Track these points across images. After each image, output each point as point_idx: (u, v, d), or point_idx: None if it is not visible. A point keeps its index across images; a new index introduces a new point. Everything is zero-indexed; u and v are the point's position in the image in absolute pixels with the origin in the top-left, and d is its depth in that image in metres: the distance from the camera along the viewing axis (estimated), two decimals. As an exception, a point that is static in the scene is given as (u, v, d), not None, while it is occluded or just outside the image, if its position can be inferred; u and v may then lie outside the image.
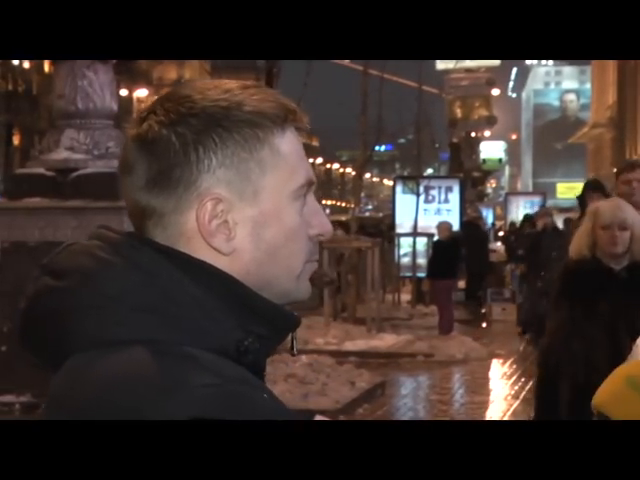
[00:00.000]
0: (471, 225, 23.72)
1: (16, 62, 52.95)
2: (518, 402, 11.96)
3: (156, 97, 1.50)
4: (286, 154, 1.46)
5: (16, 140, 50.59)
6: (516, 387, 13.11)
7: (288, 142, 1.46)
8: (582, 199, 9.69)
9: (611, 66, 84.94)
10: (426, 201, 25.84)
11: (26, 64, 53.38)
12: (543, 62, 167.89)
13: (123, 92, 48.60)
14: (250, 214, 1.43)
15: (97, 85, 8.62)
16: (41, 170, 8.57)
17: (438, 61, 49.49)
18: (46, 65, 45.02)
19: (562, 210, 37.82)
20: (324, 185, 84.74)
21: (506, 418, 11.02)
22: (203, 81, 1.50)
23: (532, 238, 16.80)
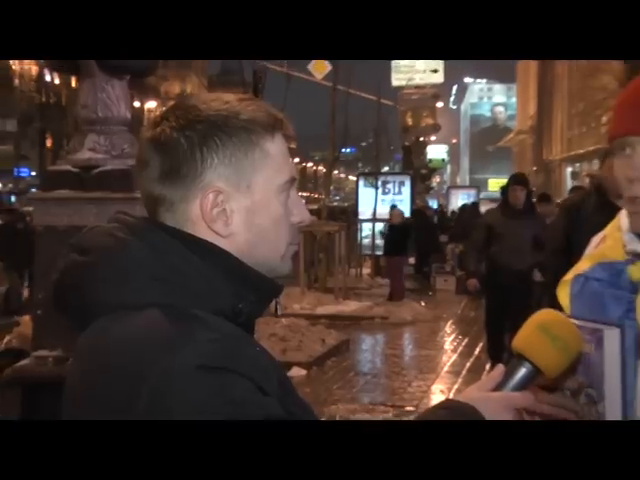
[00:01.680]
0: (420, 213, 23.72)
1: (48, 78, 52.71)
2: (456, 355, 12.03)
3: (167, 106, 1.49)
4: (274, 155, 1.46)
5: (48, 143, 50.27)
6: (455, 343, 13.17)
7: (276, 146, 1.47)
8: (505, 191, 9.61)
9: (532, 83, 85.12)
10: (383, 193, 25.81)
11: (57, 80, 53.22)
12: (478, 80, 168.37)
13: (136, 104, 48.35)
14: (244, 204, 1.44)
15: (114, 97, 8.54)
16: (68, 167, 8.48)
17: (393, 79, 49.44)
18: (73, 81, 44.63)
19: (492, 200, 37.95)
20: (300, 180, 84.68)
21: (446, 368, 11.06)
22: (206, 94, 1.50)
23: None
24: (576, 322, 1.59)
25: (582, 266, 1.82)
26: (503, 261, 9.12)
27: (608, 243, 1.79)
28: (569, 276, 1.84)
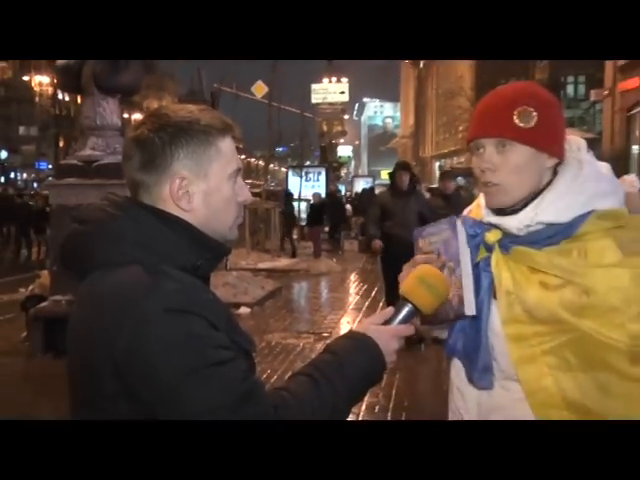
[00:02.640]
0: (332, 195, 23.73)
1: (60, 96, 51.79)
2: (359, 297, 12.09)
3: (146, 114, 1.46)
4: (225, 152, 1.43)
5: (61, 144, 49.28)
6: (357, 288, 13.24)
7: (227, 144, 1.44)
8: (393, 175, 9.18)
9: (411, 102, 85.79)
10: (306, 180, 25.81)
11: (67, 97, 52.81)
12: (373, 99, 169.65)
13: (125, 115, 47.49)
14: (203, 187, 1.41)
15: (109, 110, 8.39)
16: (75, 162, 8.31)
17: (312, 97, 49.08)
18: (79, 98, 43.67)
19: (384, 186, 38.16)
20: (246, 171, 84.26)
21: (351, 306, 11.10)
22: (175, 105, 1.47)
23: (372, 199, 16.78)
24: (441, 221, 1.70)
25: None
26: (395, 233, 8.72)
27: (473, 214, 1.81)
28: None
